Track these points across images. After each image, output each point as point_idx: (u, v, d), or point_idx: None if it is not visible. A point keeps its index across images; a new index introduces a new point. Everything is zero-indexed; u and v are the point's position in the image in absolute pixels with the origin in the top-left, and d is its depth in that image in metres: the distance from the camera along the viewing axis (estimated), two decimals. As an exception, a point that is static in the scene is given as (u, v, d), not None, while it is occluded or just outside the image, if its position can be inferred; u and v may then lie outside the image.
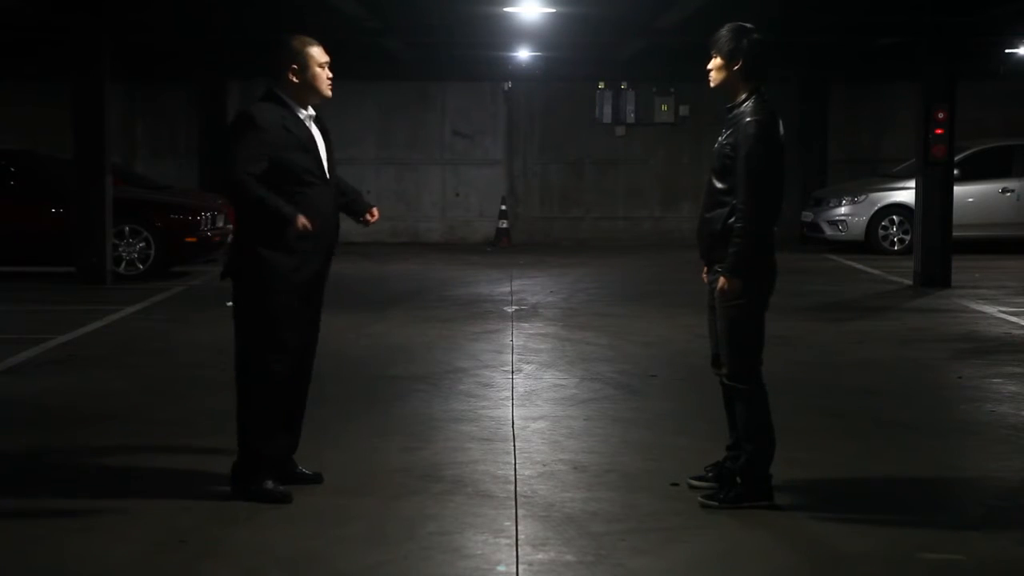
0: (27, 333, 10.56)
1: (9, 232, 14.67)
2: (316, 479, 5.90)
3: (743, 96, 5.55)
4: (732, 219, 5.44)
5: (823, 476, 6.23)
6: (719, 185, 5.53)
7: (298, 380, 5.82)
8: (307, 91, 5.70)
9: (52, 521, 5.43)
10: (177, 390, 8.39)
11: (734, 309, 5.52)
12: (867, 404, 8.04)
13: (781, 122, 5.58)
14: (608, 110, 21.44)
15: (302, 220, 5.47)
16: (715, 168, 5.57)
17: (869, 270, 16.50)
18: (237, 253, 5.69)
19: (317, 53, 5.73)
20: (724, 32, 5.60)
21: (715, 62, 5.61)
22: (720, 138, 5.59)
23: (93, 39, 14.44)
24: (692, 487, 5.85)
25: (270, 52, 5.76)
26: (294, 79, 5.66)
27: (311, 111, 5.78)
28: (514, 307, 12.63)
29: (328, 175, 5.76)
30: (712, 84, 5.66)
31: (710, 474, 5.86)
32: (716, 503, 5.56)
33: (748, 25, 5.62)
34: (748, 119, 5.45)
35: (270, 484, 5.64)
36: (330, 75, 5.79)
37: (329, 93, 5.79)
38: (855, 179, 20.26)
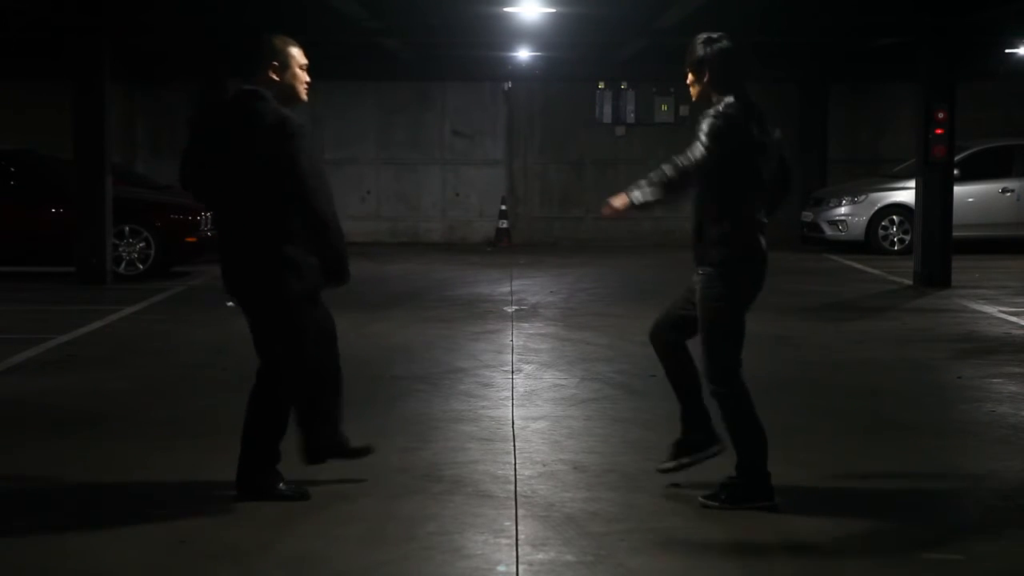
0: (27, 333, 10.56)
1: (9, 232, 14.69)
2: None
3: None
4: (703, 217, 5.47)
5: (823, 476, 6.23)
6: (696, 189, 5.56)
7: (331, 369, 5.85)
8: (286, 91, 5.59)
9: (52, 521, 5.43)
10: (177, 390, 8.39)
11: (714, 310, 5.52)
12: (867, 404, 8.04)
13: (766, 123, 5.56)
14: (608, 110, 21.44)
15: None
16: None
17: (869, 270, 16.49)
18: (258, 268, 5.55)
19: (298, 54, 5.64)
20: (691, 45, 5.62)
21: (689, 78, 5.65)
22: None
23: (93, 39, 14.45)
24: (662, 472, 5.86)
25: (249, 50, 5.65)
26: (274, 77, 5.55)
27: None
28: (514, 307, 12.64)
29: None
30: (694, 99, 5.69)
31: (673, 452, 5.87)
32: (716, 504, 5.55)
33: (714, 35, 5.63)
34: (704, 116, 5.46)
35: (283, 487, 5.66)
36: (307, 79, 5.69)
37: (305, 97, 5.69)
38: (855, 179, 20.26)
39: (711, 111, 5.48)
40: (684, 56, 5.65)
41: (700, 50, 5.57)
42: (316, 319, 5.67)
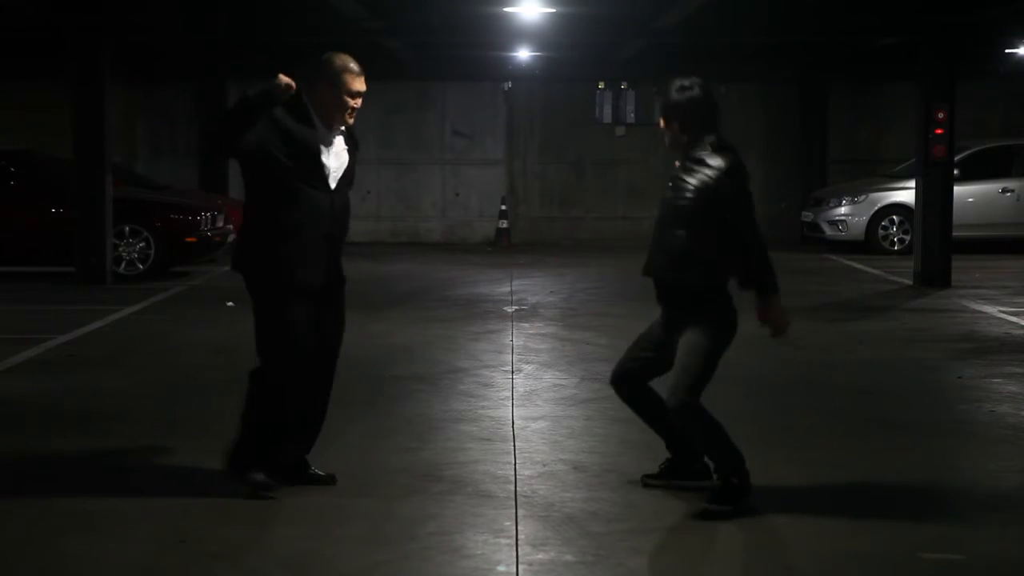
0: (27, 333, 10.55)
1: (9, 232, 14.68)
2: (329, 480, 5.89)
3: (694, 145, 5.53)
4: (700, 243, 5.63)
5: (823, 476, 6.23)
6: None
7: (315, 385, 5.78)
8: (329, 111, 5.63)
9: (52, 522, 5.43)
10: (177, 390, 8.39)
11: (716, 333, 5.63)
12: (867, 404, 8.04)
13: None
14: (608, 110, 21.45)
15: (280, 78, 5.46)
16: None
17: (869, 270, 16.49)
18: (245, 252, 5.70)
19: (352, 81, 5.62)
20: (669, 89, 5.60)
21: (661, 123, 5.66)
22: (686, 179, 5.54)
23: (93, 39, 14.44)
24: (648, 484, 5.87)
25: (310, 62, 5.72)
26: (321, 97, 5.61)
27: (335, 128, 5.70)
28: (514, 307, 12.64)
29: (333, 185, 5.67)
30: (668, 146, 5.66)
31: (661, 469, 5.90)
32: (728, 508, 5.45)
33: (686, 82, 5.58)
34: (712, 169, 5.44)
35: (260, 476, 5.64)
36: (357, 105, 5.68)
37: (348, 122, 5.70)
38: (855, 179, 20.26)
39: (703, 158, 5.45)
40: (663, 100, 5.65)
41: (672, 95, 5.56)
42: (306, 323, 5.64)
